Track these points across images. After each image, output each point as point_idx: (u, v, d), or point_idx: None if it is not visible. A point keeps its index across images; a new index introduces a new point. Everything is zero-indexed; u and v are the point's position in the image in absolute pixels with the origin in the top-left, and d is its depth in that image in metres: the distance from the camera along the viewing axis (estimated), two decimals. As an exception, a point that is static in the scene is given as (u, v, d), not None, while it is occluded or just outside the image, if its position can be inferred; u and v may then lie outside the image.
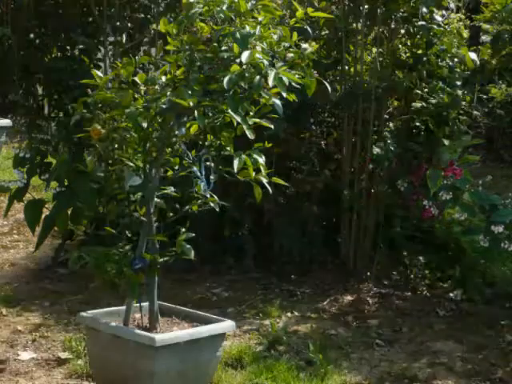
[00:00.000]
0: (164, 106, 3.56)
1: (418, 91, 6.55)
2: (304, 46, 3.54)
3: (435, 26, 6.47)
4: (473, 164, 7.65)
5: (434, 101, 6.55)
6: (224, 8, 3.46)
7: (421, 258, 6.51)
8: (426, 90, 6.60)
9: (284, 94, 3.36)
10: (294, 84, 3.41)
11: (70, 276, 6.55)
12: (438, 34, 6.58)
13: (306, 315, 5.65)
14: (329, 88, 4.46)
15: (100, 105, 3.70)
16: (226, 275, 6.75)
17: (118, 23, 7.23)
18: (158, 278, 3.82)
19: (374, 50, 7.00)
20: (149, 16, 7.57)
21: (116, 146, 3.79)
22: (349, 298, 6.06)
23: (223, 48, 3.44)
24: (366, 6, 6.64)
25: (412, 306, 5.88)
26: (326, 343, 4.95)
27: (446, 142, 6.54)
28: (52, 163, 6.78)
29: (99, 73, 3.72)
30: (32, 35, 7.55)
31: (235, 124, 3.54)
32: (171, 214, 3.92)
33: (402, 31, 6.77)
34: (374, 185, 6.74)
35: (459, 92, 6.51)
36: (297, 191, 7.11)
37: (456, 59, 6.75)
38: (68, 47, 7.53)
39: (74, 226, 6.64)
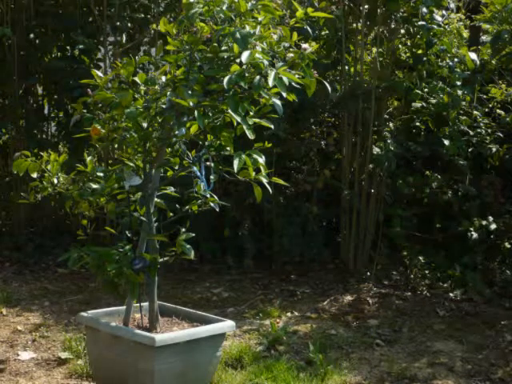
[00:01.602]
0: (164, 106, 3.56)
1: (417, 91, 6.55)
2: (304, 45, 3.53)
3: (435, 26, 6.48)
4: None
5: (434, 101, 6.56)
6: (224, 8, 3.45)
7: (421, 257, 6.51)
8: (426, 90, 6.61)
9: (284, 94, 3.35)
10: (294, 84, 3.41)
11: (69, 276, 6.57)
12: (438, 34, 6.59)
13: (305, 315, 5.65)
14: (329, 88, 4.45)
15: (100, 105, 3.70)
16: (225, 275, 6.76)
17: (118, 23, 7.24)
18: (157, 278, 3.82)
19: (374, 49, 7.00)
20: (149, 16, 7.58)
21: (116, 145, 3.79)
22: (349, 297, 6.06)
23: (223, 48, 3.43)
24: (366, 6, 6.64)
25: (412, 306, 5.88)
26: (325, 343, 4.95)
27: (446, 142, 6.56)
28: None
29: (99, 73, 3.72)
30: (32, 35, 7.56)
31: (235, 124, 3.54)
32: (171, 214, 3.92)
33: (402, 31, 6.78)
34: (374, 185, 6.75)
35: (459, 92, 6.52)
36: (297, 191, 7.12)
37: (456, 59, 6.76)
38: (68, 47, 7.54)
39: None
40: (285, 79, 3.30)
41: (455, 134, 6.64)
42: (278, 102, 3.39)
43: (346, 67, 6.99)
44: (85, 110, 3.72)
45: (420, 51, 6.73)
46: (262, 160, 3.52)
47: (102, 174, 3.76)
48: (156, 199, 3.83)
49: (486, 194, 6.72)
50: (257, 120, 3.55)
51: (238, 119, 3.32)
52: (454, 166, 6.74)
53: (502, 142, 6.85)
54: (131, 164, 3.77)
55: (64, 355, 4.59)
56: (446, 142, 6.55)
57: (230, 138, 3.67)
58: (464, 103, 6.72)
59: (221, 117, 3.55)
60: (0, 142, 7.81)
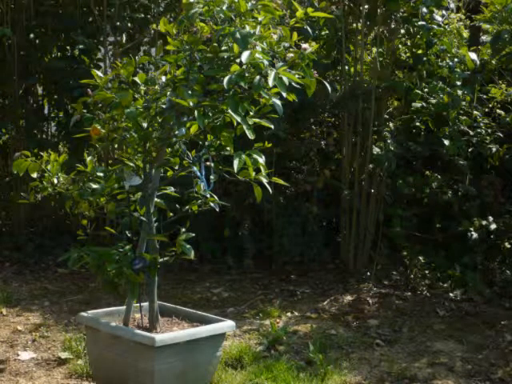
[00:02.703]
0: (164, 106, 3.56)
1: (417, 91, 6.55)
2: (304, 45, 3.53)
3: (435, 26, 6.48)
4: None
5: (434, 101, 6.56)
6: (224, 8, 3.46)
7: (421, 257, 6.51)
8: (426, 90, 6.61)
9: (284, 94, 3.35)
10: (294, 84, 3.41)
11: (70, 276, 6.57)
12: (438, 34, 6.59)
13: (305, 315, 5.65)
14: (329, 88, 4.45)
15: (100, 105, 3.70)
16: (225, 275, 6.76)
17: (118, 23, 7.24)
18: (157, 278, 3.82)
19: (374, 49, 7.00)
20: (149, 16, 7.58)
21: (116, 145, 3.79)
22: (349, 298, 6.06)
23: (223, 48, 3.43)
24: (366, 6, 6.64)
25: (412, 306, 5.88)
26: (326, 343, 4.95)
27: (446, 142, 6.56)
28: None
29: (99, 73, 3.72)
30: (32, 35, 7.56)
31: (235, 124, 3.54)
32: (171, 214, 3.92)
33: (402, 31, 6.78)
34: (374, 185, 6.75)
35: (459, 92, 6.52)
36: (297, 191, 7.12)
37: (456, 59, 6.76)
38: (68, 47, 7.54)
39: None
40: (285, 79, 3.30)
41: (455, 134, 6.64)
42: (278, 102, 3.39)
43: (346, 67, 6.99)
44: (85, 110, 3.72)
45: (420, 51, 6.73)
46: (261, 160, 3.52)
47: (102, 174, 3.75)
48: (156, 199, 3.83)
49: (486, 194, 6.72)
50: (257, 120, 3.55)
51: (238, 119, 3.32)
52: (453, 166, 6.74)
53: (502, 142, 6.85)
54: (131, 164, 3.77)
55: (64, 355, 4.59)
56: (446, 142, 6.55)
57: (230, 138, 3.67)
58: (464, 103, 6.72)
59: (221, 117, 3.55)
60: (0, 141, 7.81)
